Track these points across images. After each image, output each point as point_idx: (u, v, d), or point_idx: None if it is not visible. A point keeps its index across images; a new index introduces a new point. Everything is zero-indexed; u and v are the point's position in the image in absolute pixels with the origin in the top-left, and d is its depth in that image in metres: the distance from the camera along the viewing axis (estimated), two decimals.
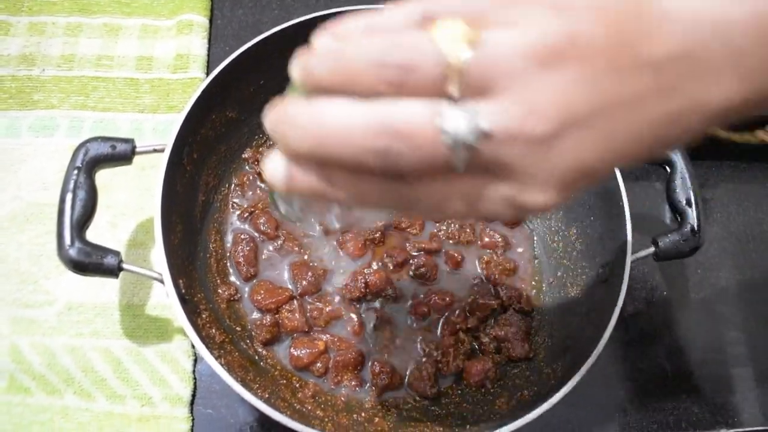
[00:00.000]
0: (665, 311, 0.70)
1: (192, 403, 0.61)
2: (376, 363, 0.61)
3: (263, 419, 0.60)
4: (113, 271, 0.53)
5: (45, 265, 0.65)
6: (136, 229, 0.67)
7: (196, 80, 0.73)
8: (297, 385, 0.59)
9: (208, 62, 0.76)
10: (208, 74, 0.74)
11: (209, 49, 0.77)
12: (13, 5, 0.77)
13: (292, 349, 0.60)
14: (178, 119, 0.58)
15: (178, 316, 0.51)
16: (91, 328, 0.62)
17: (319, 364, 0.60)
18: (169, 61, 0.75)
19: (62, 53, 0.75)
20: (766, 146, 0.44)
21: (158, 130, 0.71)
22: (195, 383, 0.61)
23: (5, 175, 0.68)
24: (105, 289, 0.64)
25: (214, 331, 0.57)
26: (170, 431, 0.59)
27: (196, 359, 0.62)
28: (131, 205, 0.68)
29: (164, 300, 0.64)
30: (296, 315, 0.61)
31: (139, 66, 0.74)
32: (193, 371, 0.62)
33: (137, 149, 0.57)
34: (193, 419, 0.60)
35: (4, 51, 0.74)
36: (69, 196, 0.53)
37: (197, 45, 0.76)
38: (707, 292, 0.71)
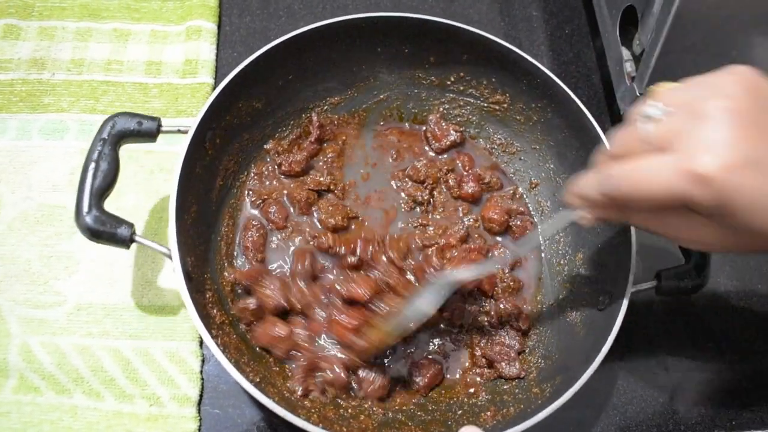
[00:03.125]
0: (665, 314, 0.71)
1: (200, 403, 0.61)
2: (367, 371, 0.61)
3: (270, 419, 0.61)
4: (125, 242, 0.54)
5: (55, 266, 0.65)
6: (156, 225, 0.68)
7: (204, 85, 0.74)
8: (289, 374, 0.60)
9: (216, 67, 0.77)
10: (216, 79, 0.76)
11: (217, 55, 0.78)
12: (24, 10, 0.78)
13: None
14: (193, 109, 0.59)
15: (181, 292, 0.52)
16: (100, 328, 0.63)
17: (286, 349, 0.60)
18: (178, 66, 0.76)
19: (72, 57, 0.76)
20: None
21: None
22: (202, 383, 0.62)
23: (16, 177, 0.69)
24: (114, 290, 0.65)
25: (215, 311, 0.58)
26: (178, 431, 0.59)
27: (204, 360, 0.63)
28: (144, 202, 0.69)
29: (173, 301, 0.65)
30: (276, 293, 0.61)
31: (148, 71, 0.76)
32: (201, 372, 0.63)
33: (162, 128, 0.59)
34: (200, 419, 0.61)
35: (14, 55, 0.75)
36: (92, 166, 0.55)
37: (206, 50, 0.77)
38: (706, 298, 0.72)
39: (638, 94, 0.69)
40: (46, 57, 0.75)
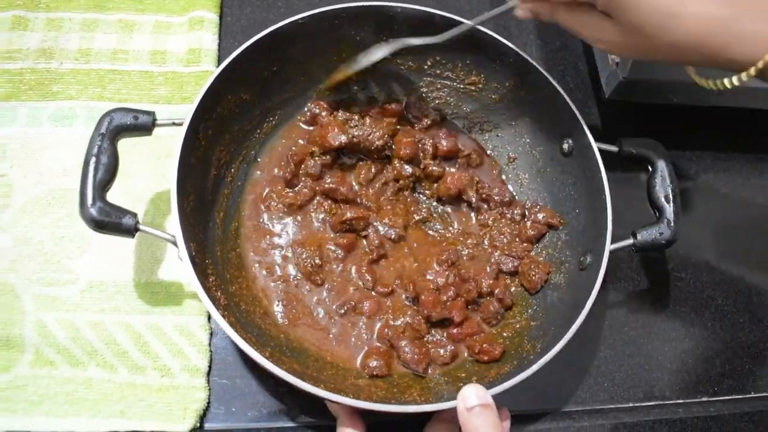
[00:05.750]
0: (647, 289, 0.75)
1: (209, 373, 0.64)
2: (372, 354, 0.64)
3: (276, 388, 0.64)
4: (130, 231, 0.57)
5: (67, 246, 0.68)
6: (154, 212, 0.71)
7: (207, 73, 0.77)
8: (295, 347, 0.63)
9: (218, 56, 0.80)
10: (219, 66, 0.78)
11: (219, 44, 0.81)
12: (31, 1, 0.80)
13: None
14: (196, 97, 0.62)
15: (189, 275, 0.55)
16: (112, 304, 0.66)
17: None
18: (182, 55, 0.79)
19: (79, 47, 0.78)
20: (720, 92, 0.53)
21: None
22: (211, 355, 0.65)
23: (28, 163, 0.71)
24: (124, 268, 0.68)
25: (219, 294, 0.60)
26: (189, 400, 0.62)
27: (212, 333, 0.66)
28: (149, 187, 0.72)
29: (181, 277, 0.67)
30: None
31: (153, 60, 0.78)
32: (209, 344, 0.65)
33: (157, 122, 0.62)
34: (210, 389, 0.64)
35: (23, 45, 0.77)
36: (93, 160, 0.58)
37: (208, 40, 0.80)
38: (687, 272, 0.76)
39: (621, 79, 0.73)
40: (53, 47, 0.78)
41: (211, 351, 0.65)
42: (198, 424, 0.62)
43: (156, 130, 0.63)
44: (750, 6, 0.47)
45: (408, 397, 0.60)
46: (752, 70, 0.48)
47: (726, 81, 0.52)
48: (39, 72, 0.76)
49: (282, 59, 0.70)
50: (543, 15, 0.58)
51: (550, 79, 0.68)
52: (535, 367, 0.55)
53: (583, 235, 0.66)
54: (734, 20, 0.47)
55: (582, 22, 0.53)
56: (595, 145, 0.65)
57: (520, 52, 0.70)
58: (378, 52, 0.70)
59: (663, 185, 0.65)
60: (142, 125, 0.61)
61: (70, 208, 0.70)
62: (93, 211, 0.56)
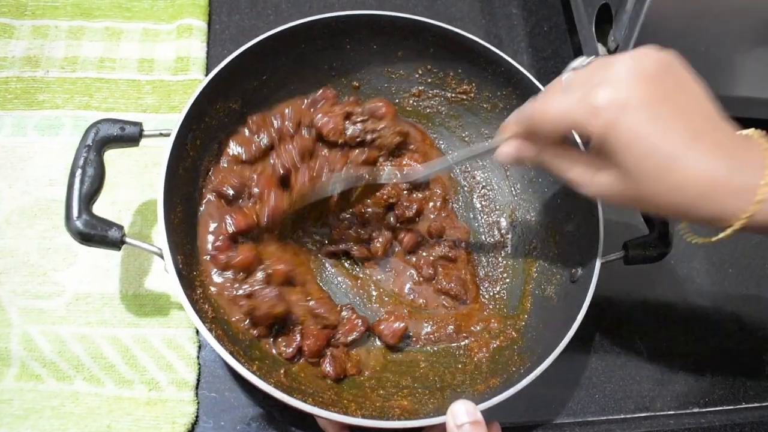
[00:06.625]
0: (639, 297, 0.75)
1: (197, 387, 0.64)
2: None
3: (265, 402, 0.64)
4: (116, 244, 0.56)
5: (53, 257, 0.67)
6: (141, 223, 0.70)
7: (195, 81, 0.77)
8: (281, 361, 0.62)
9: (207, 64, 0.79)
10: (207, 75, 0.77)
11: (208, 52, 0.80)
12: (17, 9, 0.80)
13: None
14: (184, 106, 0.61)
15: (175, 288, 0.54)
16: (99, 317, 0.65)
17: None
18: (170, 64, 0.78)
19: (65, 55, 0.77)
20: None
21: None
22: (199, 368, 0.64)
23: (13, 173, 0.71)
24: (111, 280, 0.67)
25: (207, 306, 0.59)
26: (177, 414, 0.62)
27: (200, 346, 0.66)
28: (136, 196, 0.71)
29: (169, 289, 0.67)
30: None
31: (140, 68, 0.78)
32: (198, 357, 0.65)
33: (144, 132, 0.61)
34: (198, 402, 0.63)
35: (9, 53, 0.77)
36: (79, 172, 0.57)
37: (196, 48, 0.79)
38: (679, 281, 0.76)
39: None
40: (39, 55, 0.77)
41: (199, 364, 0.65)
42: None
43: (143, 140, 0.62)
44: (745, 161, 0.44)
45: (397, 411, 0.59)
46: (738, 224, 0.45)
47: (714, 238, 0.49)
48: (25, 81, 0.75)
49: (272, 68, 0.70)
50: (527, 158, 0.54)
51: (542, 88, 0.68)
52: (525, 382, 0.54)
53: (574, 247, 0.66)
54: (734, 173, 0.44)
55: (569, 164, 0.51)
56: None
57: (511, 61, 0.69)
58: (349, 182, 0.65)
59: None
60: (129, 136, 0.60)
61: (57, 219, 0.69)
62: (79, 224, 0.56)
